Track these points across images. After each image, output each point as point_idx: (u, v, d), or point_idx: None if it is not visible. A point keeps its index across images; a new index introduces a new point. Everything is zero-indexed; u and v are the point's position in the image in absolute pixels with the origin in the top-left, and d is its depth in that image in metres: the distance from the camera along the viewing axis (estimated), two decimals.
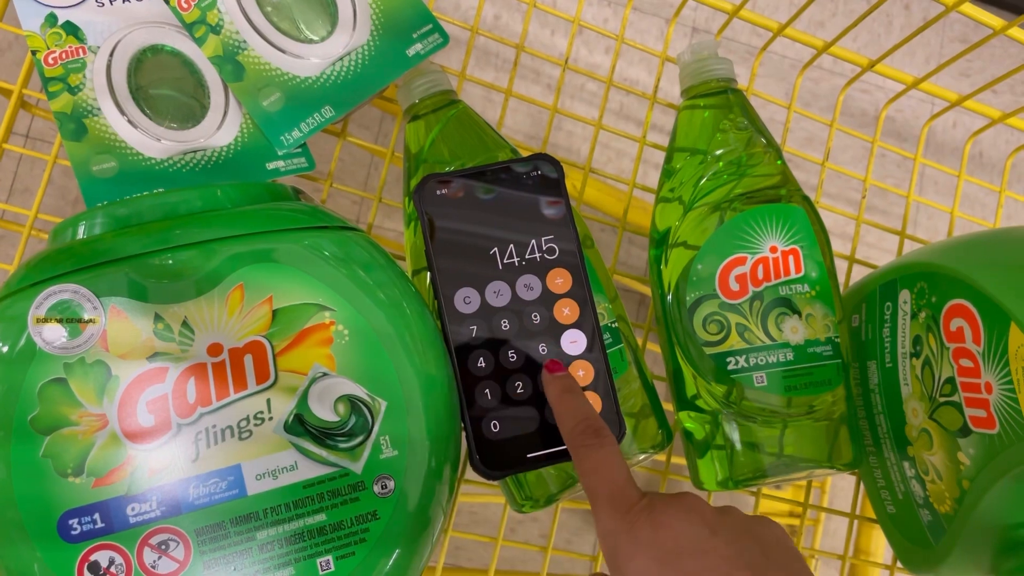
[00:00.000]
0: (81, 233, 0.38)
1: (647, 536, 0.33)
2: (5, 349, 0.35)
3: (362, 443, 0.37)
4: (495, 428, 0.41)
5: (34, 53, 0.46)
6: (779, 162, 0.48)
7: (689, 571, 0.32)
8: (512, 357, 0.41)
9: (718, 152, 0.48)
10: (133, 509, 0.35)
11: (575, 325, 0.42)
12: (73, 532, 0.35)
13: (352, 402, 0.37)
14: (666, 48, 0.59)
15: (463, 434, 0.41)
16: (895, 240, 0.62)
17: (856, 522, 0.57)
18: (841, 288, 0.50)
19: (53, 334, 0.35)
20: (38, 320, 0.35)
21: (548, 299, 0.42)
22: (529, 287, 0.42)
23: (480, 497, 0.87)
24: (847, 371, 0.47)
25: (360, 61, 0.49)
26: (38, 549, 0.34)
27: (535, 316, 0.42)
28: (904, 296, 0.48)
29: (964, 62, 1.21)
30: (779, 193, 0.47)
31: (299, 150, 0.49)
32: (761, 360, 0.46)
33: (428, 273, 0.42)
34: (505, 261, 0.42)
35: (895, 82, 0.63)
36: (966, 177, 0.65)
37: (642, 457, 0.46)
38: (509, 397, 0.41)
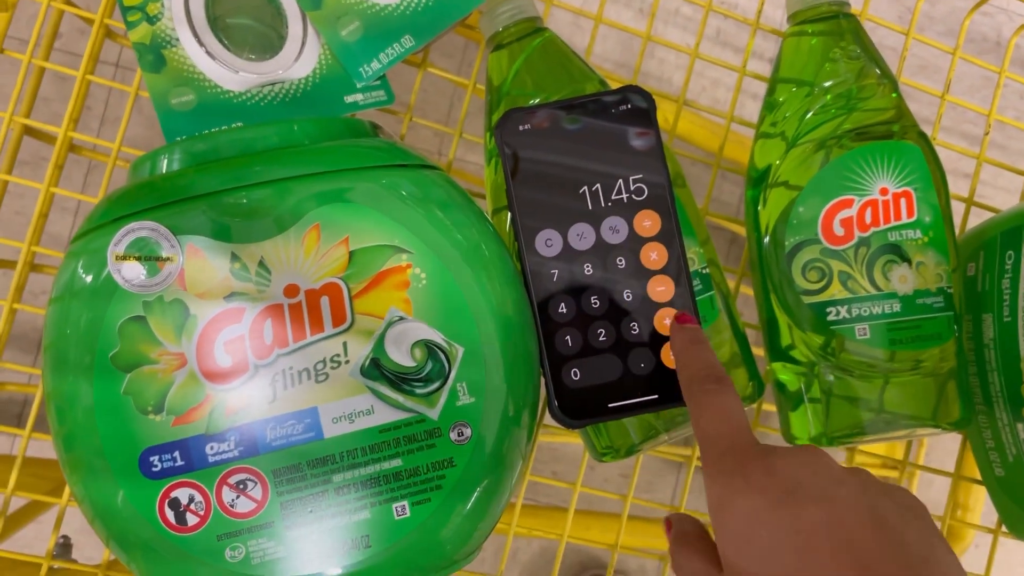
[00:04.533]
0: (161, 168, 0.38)
1: (760, 479, 0.29)
2: (89, 280, 0.35)
3: (439, 389, 0.36)
4: (575, 376, 0.39)
5: None
6: (894, 95, 0.44)
7: (809, 518, 0.27)
8: (595, 303, 0.39)
9: (827, 84, 0.44)
10: (212, 448, 0.35)
11: (663, 271, 0.39)
12: (154, 469, 0.35)
13: (429, 347, 0.36)
14: None
15: (542, 380, 0.40)
16: (1019, 180, 0.57)
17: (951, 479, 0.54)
18: (957, 233, 0.46)
19: (132, 272, 0.35)
20: (117, 257, 0.35)
21: (635, 243, 0.40)
22: (615, 229, 0.40)
23: (560, 436, 0.86)
24: (959, 324, 0.44)
25: None
26: (120, 484, 0.35)
27: (620, 260, 0.39)
28: None
29: None
30: (892, 129, 0.44)
31: (378, 82, 0.47)
32: (865, 311, 0.43)
33: (508, 213, 0.40)
34: (590, 202, 0.40)
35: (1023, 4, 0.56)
36: None
37: None
38: (591, 345, 0.39)
